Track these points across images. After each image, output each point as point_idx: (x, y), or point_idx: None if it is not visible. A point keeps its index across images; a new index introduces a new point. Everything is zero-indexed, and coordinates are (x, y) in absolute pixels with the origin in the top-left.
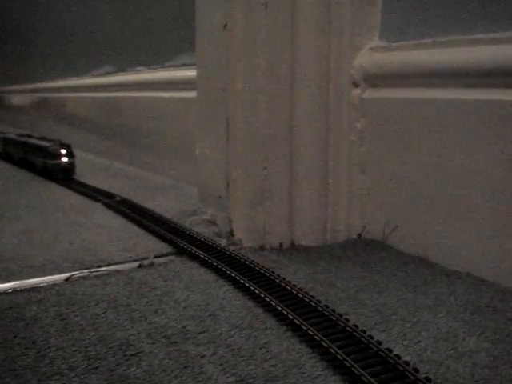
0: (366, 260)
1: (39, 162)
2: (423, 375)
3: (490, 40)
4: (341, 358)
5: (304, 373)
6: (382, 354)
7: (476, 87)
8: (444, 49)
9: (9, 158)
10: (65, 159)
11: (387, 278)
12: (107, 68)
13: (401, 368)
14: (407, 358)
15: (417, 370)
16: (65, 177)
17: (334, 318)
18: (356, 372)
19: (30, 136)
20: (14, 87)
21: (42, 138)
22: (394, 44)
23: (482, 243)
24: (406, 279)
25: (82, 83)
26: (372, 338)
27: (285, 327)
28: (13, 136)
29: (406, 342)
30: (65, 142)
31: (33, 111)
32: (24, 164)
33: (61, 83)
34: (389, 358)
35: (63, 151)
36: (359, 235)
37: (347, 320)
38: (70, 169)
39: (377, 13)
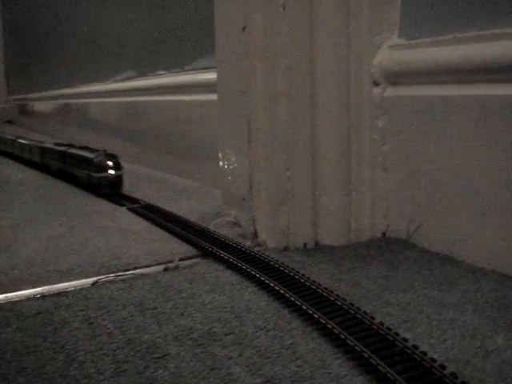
0: (390, 259)
1: (82, 174)
2: (450, 372)
3: (511, 35)
4: (367, 355)
5: (330, 373)
6: (408, 351)
7: (498, 82)
8: (464, 45)
9: (46, 170)
10: (112, 172)
11: (412, 277)
12: (128, 73)
13: (427, 365)
14: (434, 357)
15: (443, 367)
16: (112, 191)
17: (359, 316)
18: (382, 370)
19: (70, 145)
20: (38, 94)
21: (85, 148)
22: (413, 41)
23: (507, 239)
24: (431, 277)
25: (104, 88)
26: (398, 335)
27: (310, 328)
28: (51, 145)
29: (432, 341)
30: (111, 152)
31: (56, 117)
32: (64, 176)
33: (83, 89)
34: (415, 355)
35: (110, 163)
36: (383, 234)
37: (373, 318)
38: (117, 182)
39: (395, 11)
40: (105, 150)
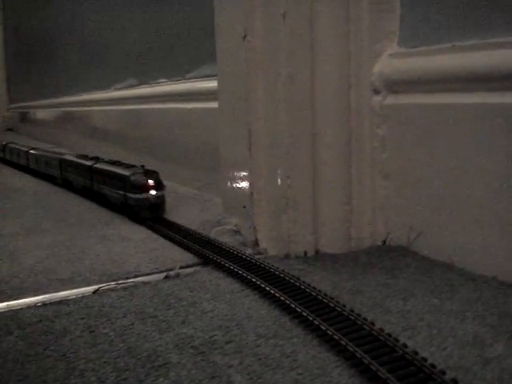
0: (391, 266)
1: (115, 194)
2: (450, 378)
3: (510, 43)
4: (366, 362)
5: (331, 381)
6: (408, 357)
7: (498, 91)
8: (464, 53)
9: (67, 185)
10: (153, 192)
11: (413, 284)
12: (130, 81)
13: (427, 371)
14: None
15: (443, 373)
16: (153, 215)
17: (359, 323)
18: (382, 376)
19: (97, 159)
20: (39, 102)
21: (116, 163)
22: (413, 50)
23: (508, 247)
24: (431, 285)
25: (106, 96)
26: (398, 341)
27: (311, 335)
28: (72, 158)
29: (432, 349)
30: (150, 169)
31: (57, 125)
32: (90, 195)
33: (84, 97)
34: (415, 361)
35: (150, 182)
36: (384, 242)
37: (373, 324)
38: (159, 205)
39: (395, 19)
40: (143, 166)
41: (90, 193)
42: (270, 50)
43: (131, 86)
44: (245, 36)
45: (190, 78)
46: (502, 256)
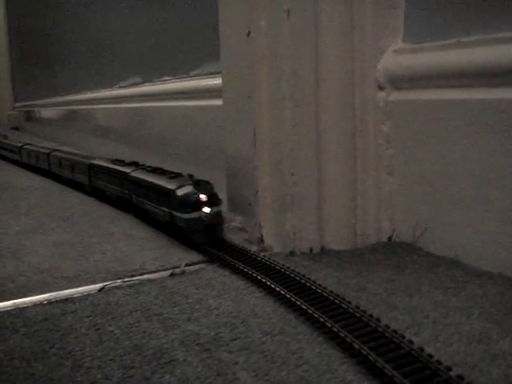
0: (396, 263)
1: (159, 211)
2: (456, 374)
3: None
4: (372, 359)
5: (337, 377)
6: (414, 353)
7: (503, 86)
8: (469, 49)
9: (97, 193)
10: (206, 210)
11: (418, 281)
12: (134, 79)
13: (433, 367)
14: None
15: (449, 369)
16: (209, 239)
17: (365, 320)
18: (388, 373)
19: (135, 165)
20: (43, 101)
21: (158, 171)
22: (417, 46)
23: None
24: (437, 281)
25: (110, 95)
26: (404, 337)
27: (317, 332)
28: (105, 163)
29: (438, 345)
30: (200, 179)
31: (62, 123)
32: (128, 208)
33: (89, 95)
34: (421, 358)
35: (203, 197)
36: (389, 238)
37: (378, 320)
38: (215, 225)
39: (400, 15)
40: (191, 176)
41: (127, 205)
42: (274, 46)
43: (135, 84)
44: (249, 33)
45: (195, 76)
46: (507, 252)
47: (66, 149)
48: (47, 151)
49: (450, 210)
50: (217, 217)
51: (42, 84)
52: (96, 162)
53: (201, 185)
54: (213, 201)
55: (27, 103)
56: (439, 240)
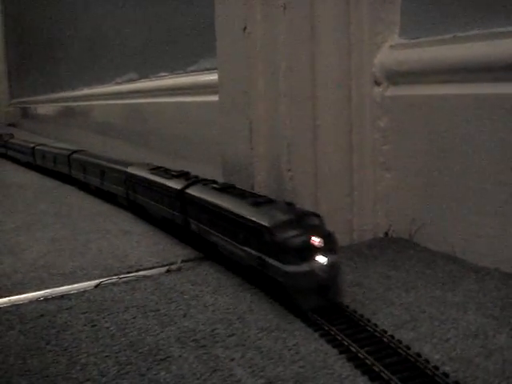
0: (393, 258)
1: (240, 252)
2: (453, 379)
3: (511, 33)
4: (369, 363)
5: (333, 373)
6: (411, 359)
7: (499, 81)
8: (465, 44)
9: (137, 209)
10: (322, 259)
11: (415, 276)
12: (131, 75)
13: (430, 373)
14: (436, 357)
15: (447, 375)
16: (322, 302)
17: (362, 324)
18: (385, 377)
19: (187, 177)
20: (40, 97)
21: (229, 189)
22: (414, 41)
23: (510, 238)
24: (433, 277)
25: (106, 91)
26: (401, 342)
27: (313, 328)
28: (146, 173)
29: (434, 341)
30: (305, 209)
31: (58, 120)
32: (181, 233)
33: (85, 91)
34: (418, 363)
35: (317, 240)
36: (386, 234)
37: (376, 325)
38: (333, 281)
39: (396, 10)
40: (290, 204)
41: (179, 230)
42: (271, 41)
43: (132, 80)
44: (245, 28)
45: (192, 72)
46: (504, 247)
47: (89, 151)
48: (67, 153)
49: (446, 206)
50: (333, 272)
51: (39, 80)
52: (135, 170)
53: (308, 219)
54: (328, 245)
55: (24, 99)
56: (436, 235)
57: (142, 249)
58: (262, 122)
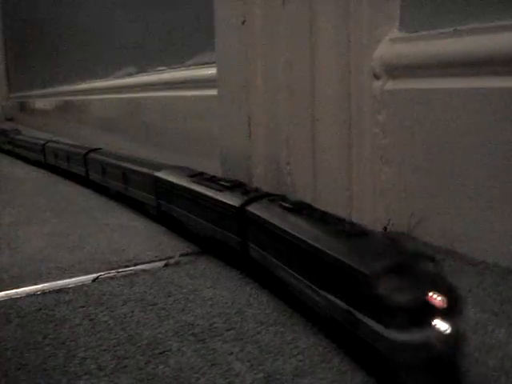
0: None
1: (322, 301)
2: None
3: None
4: None
5: (332, 367)
6: None
7: (499, 75)
8: (465, 37)
9: (169, 222)
10: (442, 326)
11: None
12: (129, 69)
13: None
14: None
15: None
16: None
17: None
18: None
19: (244, 189)
20: (38, 91)
21: (304, 210)
22: (413, 34)
23: (509, 233)
24: None
25: (105, 85)
26: None
27: (312, 322)
28: (184, 182)
29: None
30: (411, 248)
31: (56, 114)
32: (238, 262)
33: (83, 86)
34: None
35: (439, 300)
36: (385, 228)
37: None
38: (454, 356)
39: (396, 4)
40: (393, 239)
41: (233, 254)
42: (270, 35)
43: (130, 75)
44: (244, 21)
45: (190, 66)
46: (503, 242)
47: (108, 149)
48: (83, 151)
49: (445, 200)
50: (458, 340)
51: (37, 74)
52: (169, 176)
53: (421, 264)
54: (451, 304)
55: (22, 94)
56: (435, 230)
57: (140, 243)
58: (261, 116)
